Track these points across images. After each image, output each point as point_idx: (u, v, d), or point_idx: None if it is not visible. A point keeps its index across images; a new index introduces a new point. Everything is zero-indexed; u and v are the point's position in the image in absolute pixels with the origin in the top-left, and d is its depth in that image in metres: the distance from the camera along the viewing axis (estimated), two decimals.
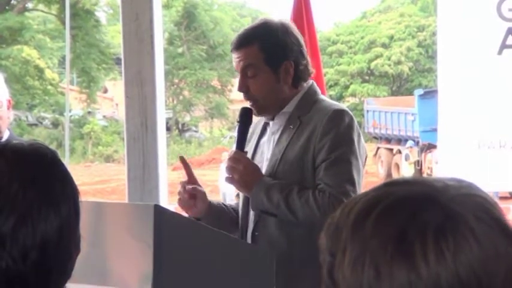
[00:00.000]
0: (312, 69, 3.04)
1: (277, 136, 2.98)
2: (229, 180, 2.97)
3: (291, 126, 2.94)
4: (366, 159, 2.98)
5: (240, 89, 2.98)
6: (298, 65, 2.96)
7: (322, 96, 3.06)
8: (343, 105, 3.07)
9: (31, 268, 1.23)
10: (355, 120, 2.95)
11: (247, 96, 2.97)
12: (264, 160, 3.02)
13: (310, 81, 3.05)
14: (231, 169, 2.96)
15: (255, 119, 3.09)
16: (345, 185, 2.81)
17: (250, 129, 3.08)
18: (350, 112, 2.96)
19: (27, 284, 1.24)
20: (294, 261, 2.89)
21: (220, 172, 18.88)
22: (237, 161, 2.95)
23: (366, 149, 2.98)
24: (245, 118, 3.00)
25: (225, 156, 19.17)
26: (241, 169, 2.93)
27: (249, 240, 2.96)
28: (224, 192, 18.24)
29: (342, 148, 2.84)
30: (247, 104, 3.01)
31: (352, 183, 2.83)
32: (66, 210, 1.27)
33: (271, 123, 3.04)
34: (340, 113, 2.90)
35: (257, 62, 2.93)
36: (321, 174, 2.84)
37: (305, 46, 3.05)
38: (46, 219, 1.24)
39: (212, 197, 3.12)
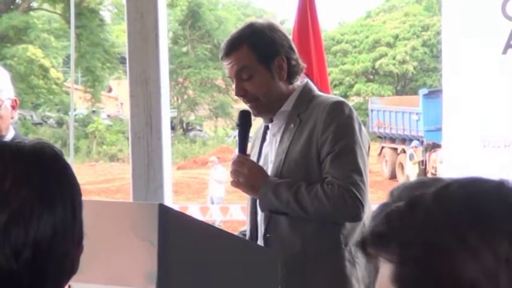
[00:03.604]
0: (303, 64, 3.04)
1: (278, 137, 2.98)
2: (235, 184, 2.96)
3: (292, 125, 2.93)
4: (369, 148, 2.98)
5: (238, 94, 2.97)
6: (290, 59, 2.96)
7: (318, 93, 3.06)
8: (341, 98, 3.06)
9: (24, 267, 1.21)
10: (354, 110, 2.95)
11: (247, 98, 2.96)
12: (268, 163, 3.01)
13: (305, 80, 3.06)
14: (235, 173, 2.95)
15: (256, 124, 3.08)
16: (352, 176, 2.81)
17: (253, 136, 3.07)
18: (348, 103, 2.96)
19: (21, 284, 1.23)
20: (308, 259, 2.89)
21: (210, 176, 18.85)
22: (241, 165, 2.94)
23: (368, 137, 2.98)
24: (244, 121, 3.00)
25: (213, 159, 19.19)
26: (246, 172, 2.93)
27: (260, 242, 2.95)
28: (211, 196, 18.22)
29: (345, 139, 2.84)
30: (246, 107, 3.00)
31: (359, 172, 2.83)
32: (62, 210, 1.25)
33: (270, 125, 3.04)
34: (339, 104, 2.90)
35: (250, 63, 2.92)
36: (327, 167, 2.83)
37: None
38: (39, 218, 1.22)
39: None
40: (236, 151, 3.03)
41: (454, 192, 0.98)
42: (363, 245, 1.02)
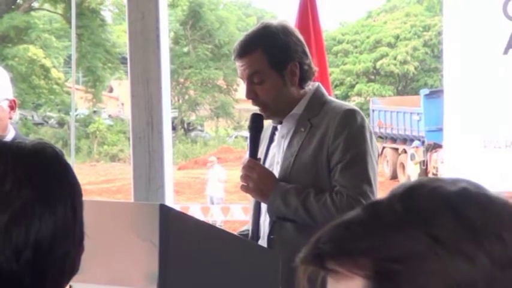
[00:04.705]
0: (315, 68, 3.02)
1: (287, 139, 2.96)
2: (244, 188, 2.94)
3: (302, 129, 2.91)
4: (378, 157, 2.97)
5: (248, 96, 2.94)
6: (302, 65, 2.93)
7: (330, 98, 3.05)
8: (353, 105, 3.06)
9: (25, 268, 1.21)
10: (366, 119, 2.94)
11: (256, 102, 2.94)
12: (274, 164, 2.99)
13: (316, 84, 3.04)
14: (245, 178, 2.93)
15: (265, 125, 3.06)
16: (361, 186, 2.80)
17: (261, 136, 3.05)
18: (361, 112, 2.95)
19: (22, 284, 1.22)
20: None
21: (207, 176, 18.88)
22: (251, 169, 2.92)
23: (377, 147, 2.98)
24: (256, 125, 2.97)
25: (212, 160, 19.22)
26: (256, 177, 2.91)
27: (263, 243, 2.94)
28: (211, 196, 18.23)
29: (356, 148, 2.83)
30: (257, 110, 2.97)
31: (369, 183, 2.82)
32: (62, 210, 1.25)
33: (279, 127, 3.02)
34: (352, 112, 2.88)
35: (262, 68, 2.89)
36: (337, 175, 2.82)
37: (307, 45, 3.03)
38: (40, 218, 1.22)
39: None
40: (247, 155, 3.01)
41: (424, 195, 0.89)
42: (319, 259, 0.91)
